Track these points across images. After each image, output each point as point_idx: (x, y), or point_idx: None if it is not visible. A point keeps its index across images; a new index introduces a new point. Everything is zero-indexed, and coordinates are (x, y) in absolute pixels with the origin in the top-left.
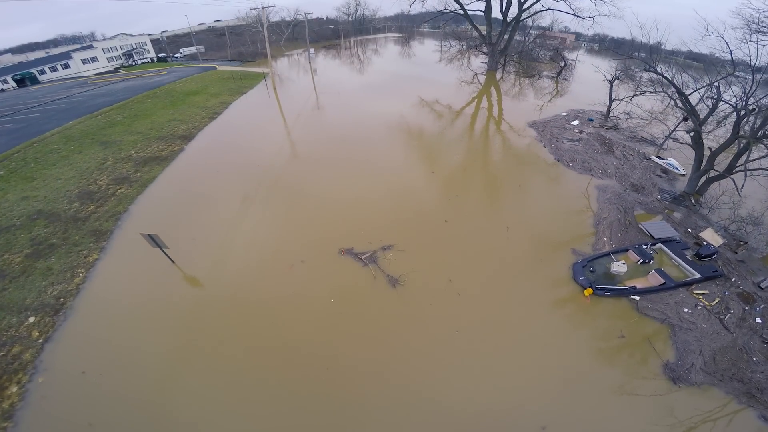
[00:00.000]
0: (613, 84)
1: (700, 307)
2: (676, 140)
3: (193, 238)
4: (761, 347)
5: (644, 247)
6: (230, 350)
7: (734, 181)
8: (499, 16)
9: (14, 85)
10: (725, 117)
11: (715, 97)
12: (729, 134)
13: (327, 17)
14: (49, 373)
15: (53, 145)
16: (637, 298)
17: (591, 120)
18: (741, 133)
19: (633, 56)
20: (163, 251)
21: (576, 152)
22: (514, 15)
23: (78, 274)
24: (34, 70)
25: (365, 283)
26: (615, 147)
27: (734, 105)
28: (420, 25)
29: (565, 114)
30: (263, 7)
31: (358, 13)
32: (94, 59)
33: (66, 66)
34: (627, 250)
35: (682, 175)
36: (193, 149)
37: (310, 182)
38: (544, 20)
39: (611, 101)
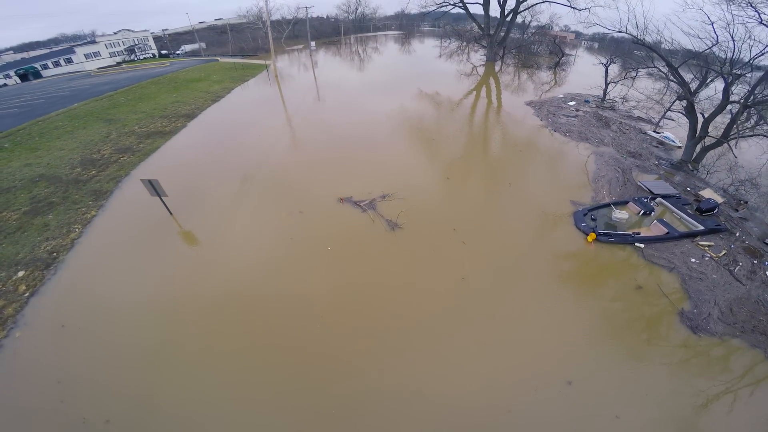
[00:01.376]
0: (608, 68)
1: (707, 258)
2: (671, 119)
3: (192, 194)
4: None
5: (644, 200)
6: (224, 302)
7: (730, 147)
8: (498, 12)
9: (17, 80)
10: (711, 80)
11: (704, 66)
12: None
13: (327, 16)
14: (28, 327)
15: (58, 122)
16: (642, 245)
17: (587, 101)
18: (731, 98)
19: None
20: (162, 200)
21: (572, 125)
22: (512, 7)
23: (74, 230)
24: (37, 65)
25: (364, 229)
26: (611, 123)
27: (719, 71)
28: (420, 24)
29: (561, 96)
30: None
31: (358, 11)
32: (96, 54)
33: (69, 61)
34: (627, 202)
35: (679, 147)
36: (196, 125)
37: (312, 145)
38: (543, 16)
39: (607, 84)
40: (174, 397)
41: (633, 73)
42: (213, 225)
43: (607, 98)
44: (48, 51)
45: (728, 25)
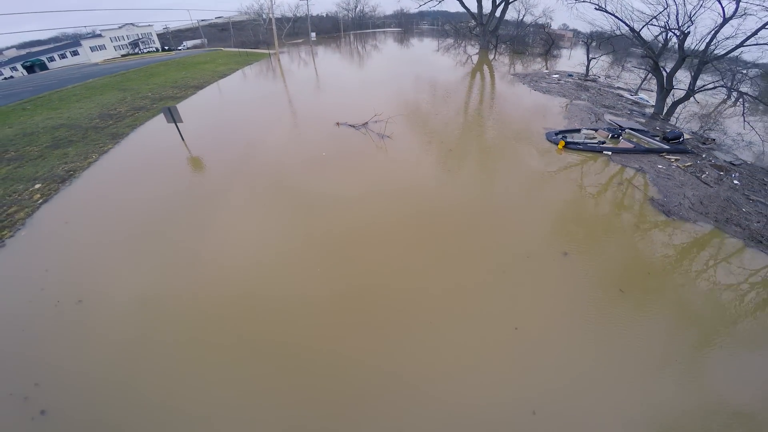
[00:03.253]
0: (590, 46)
1: (674, 167)
2: (650, 90)
3: (201, 135)
4: (747, 202)
5: (614, 128)
6: (228, 198)
7: (695, 99)
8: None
9: (24, 72)
10: (661, 33)
11: (660, 26)
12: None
13: (327, 14)
14: (34, 227)
15: (76, 91)
16: (609, 153)
17: (570, 75)
18: (688, 54)
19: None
20: (176, 125)
21: (552, 88)
22: None
23: (91, 157)
24: (43, 57)
25: (357, 139)
26: (590, 88)
27: (666, 27)
28: (419, 22)
29: (546, 71)
30: None
31: (357, 9)
32: (102, 47)
33: (75, 53)
34: (597, 129)
35: (652, 105)
36: (205, 92)
37: (311, 97)
38: (537, 9)
39: (589, 60)
40: (152, 280)
41: (604, 40)
42: (218, 153)
43: (590, 74)
44: (53, 45)
45: None
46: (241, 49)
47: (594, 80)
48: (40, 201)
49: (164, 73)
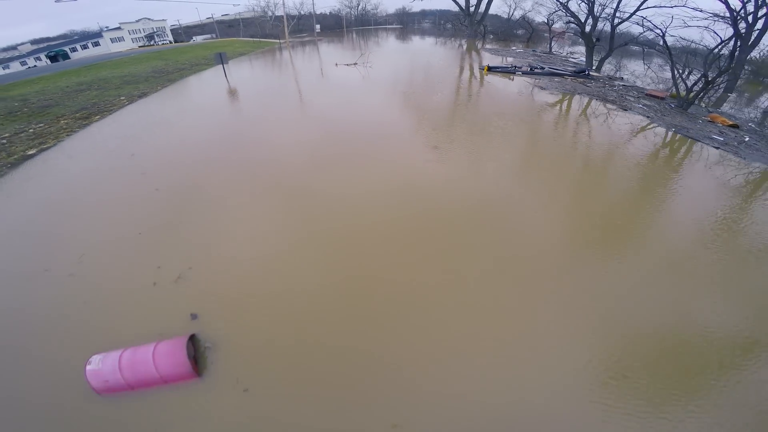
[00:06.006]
0: (551, 26)
1: (569, 80)
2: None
3: (236, 78)
4: (617, 96)
5: (535, 66)
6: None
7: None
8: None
9: (48, 61)
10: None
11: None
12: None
13: (330, 12)
14: (124, 110)
15: (124, 60)
16: (520, 73)
17: (534, 51)
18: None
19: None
20: (223, 66)
21: (509, 54)
22: None
23: (156, 88)
24: (66, 48)
25: (348, 69)
26: (541, 56)
27: None
28: (421, 20)
29: (514, 48)
30: None
31: (360, 6)
32: (120, 39)
33: (96, 44)
34: (520, 67)
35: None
36: (230, 63)
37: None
38: (526, 3)
39: (551, 39)
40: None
41: (554, 13)
42: (246, 89)
43: (553, 51)
44: (75, 37)
45: None
46: (253, 39)
47: (555, 54)
48: (126, 103)
49: (192, 51)
